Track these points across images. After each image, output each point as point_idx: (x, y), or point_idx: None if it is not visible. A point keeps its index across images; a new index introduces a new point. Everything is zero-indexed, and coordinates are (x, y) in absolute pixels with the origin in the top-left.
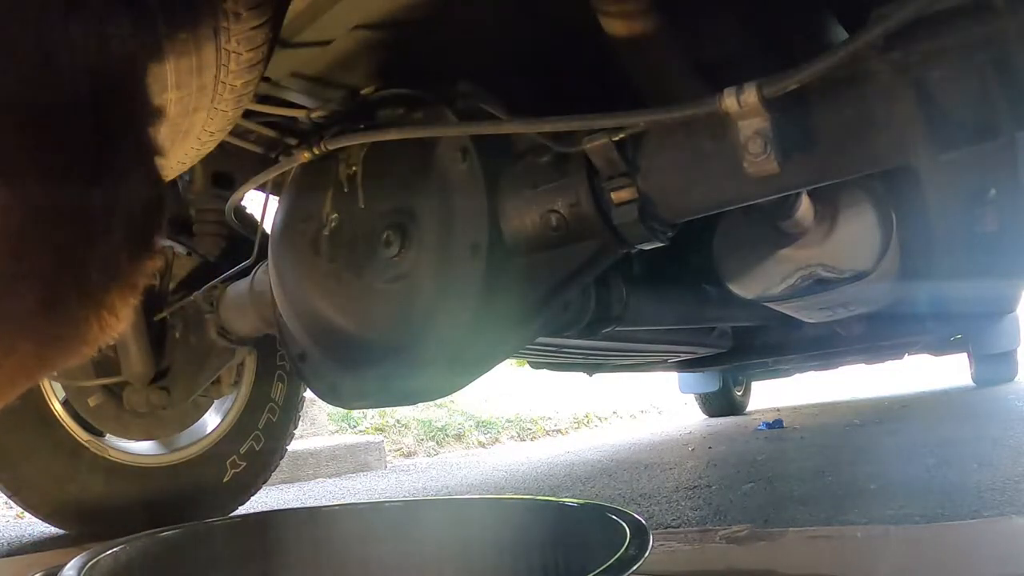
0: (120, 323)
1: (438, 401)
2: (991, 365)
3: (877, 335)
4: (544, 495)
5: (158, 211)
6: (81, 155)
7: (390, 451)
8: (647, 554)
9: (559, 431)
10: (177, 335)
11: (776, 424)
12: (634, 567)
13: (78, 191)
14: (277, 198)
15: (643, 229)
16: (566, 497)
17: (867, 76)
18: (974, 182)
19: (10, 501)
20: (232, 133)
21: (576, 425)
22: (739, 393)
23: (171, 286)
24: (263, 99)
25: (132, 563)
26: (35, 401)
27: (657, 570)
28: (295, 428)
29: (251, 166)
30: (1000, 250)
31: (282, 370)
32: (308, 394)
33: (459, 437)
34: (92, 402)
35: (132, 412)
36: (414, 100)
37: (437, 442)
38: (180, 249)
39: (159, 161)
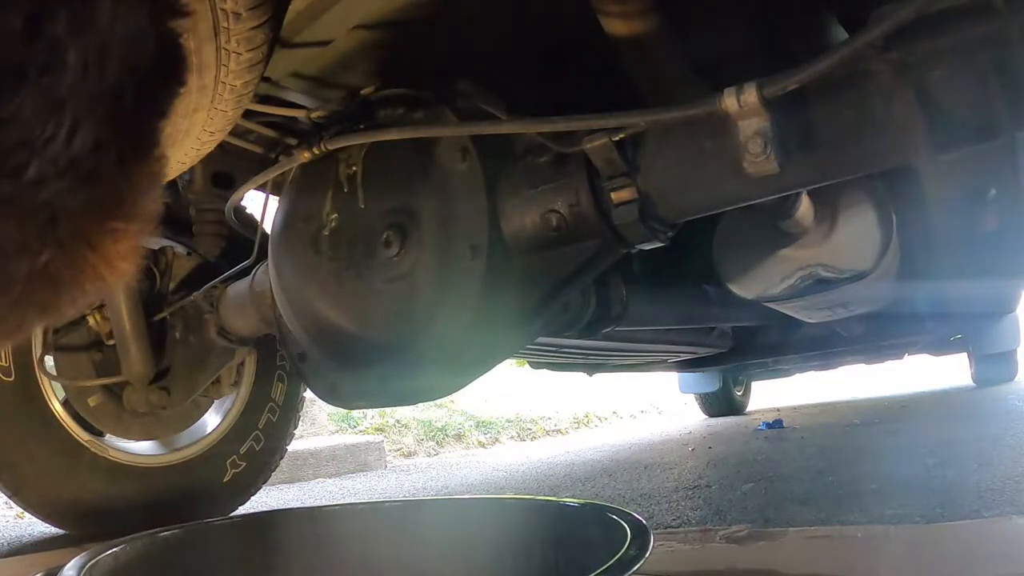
0: (115, 264)
1: (438, 401)
2: (991, 365)
3: (877, 335)
4: (544, 495)
5: (166, 79)
6: None
7: (390, 451)
8: (648, 554)
9: (559, 431)
10: (177, 335)
11: (776, 424)
12: (635, 567)
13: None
14: (277, 198)
15: (643, 229)
16: (566, 497)
17: (867, 76)
18: (974, 182)
19: (10, 501)
20: (232, 133)
21: (576, 425)
22: (739, 393)
23: (171, 286)
24: (263, 99)
25: (132, 563)
26: (35, 401)
27: (658, 570)
28: (295, 428)
29: (251, 166)
30: (1000, 250)
31: (282, 370)
32: (308, 394)
33: (459, 437)
34: (92, 402)
35: (132, 412)
36: (414, 100)
37: (437, 442)
38: (180, 249)
39: (174, 24)
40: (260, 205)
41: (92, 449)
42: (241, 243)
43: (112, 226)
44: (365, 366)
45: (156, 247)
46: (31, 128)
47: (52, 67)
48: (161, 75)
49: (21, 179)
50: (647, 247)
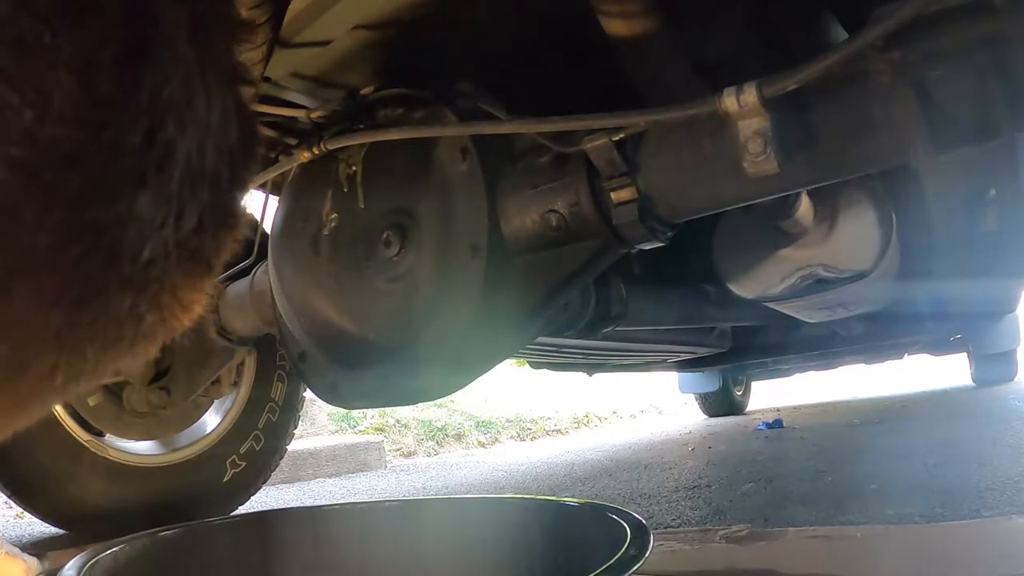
0: (193, 313)
1: (438, 401)
2: (991, 365)
3: (877, 335)
4: (544, 495)
5: (247, 154)
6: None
7: (390, 451)
8: (648, 554)
9: (559, 431)
10: (177, 335)
11: (776, 424)
12: (635, 567)
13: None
14: (277, 198)
15: (643, 229)
16: (566, 497)
17: (867, 76)
18: (974, 182)
19: (10, 501)
20: None
21: (576, 425)
22: (739, 393)
23: None
24: (263, 99)
25: (132, 563)
26: None
27: (657, 570)
28: (295, 428)
29: None
30: (1000, 250)
31: (282, 370)
32: (308, 394)
33: (459, 437)
34: (92, 402)
35: (132, 412)
36: (414, 100)
37: (437, 442)
38: None
39: (245, 92)
40: (260, 205)
41: (92, 449)
42: (241, 243)
43: (201, 287)
44: (365, 366)
45: None
46: (148, 221)
47: (165, 167)
48: (243, 154)
49: (137, 262)
50: (647, 247)
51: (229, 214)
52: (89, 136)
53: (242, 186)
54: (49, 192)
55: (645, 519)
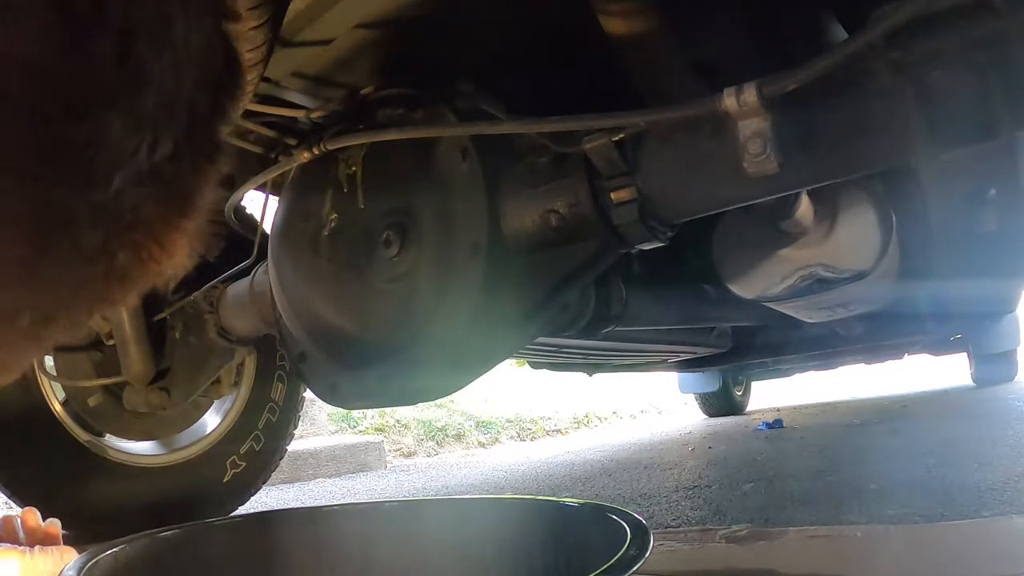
0: (176, 258)
1: (438, 401)
2: (991, 365)
3: (877, 335)
4: (544, 495)
5: (232, 85)
6: None
7: (390, 451)
8: (648, 554)
9: (559, 431)
10: (177, 335)
11: (776, 424)
12: (635, 567)
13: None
14: (277, 198)
15: (643, 229)
16: (566, 497)
17: (867, 76)
18: (974, 182)
19: (10, 501)
20: (232, 133)
21: (576, 425)
22: (739, 393)
23: (171, 286)
24: (263, 99)
25: (132, 563)
26: (35, 401)
27: (658, 570)
28: (295, 428)
29: (251, 166)
30: (1000, 250)
31: (282, 370)
32: (308, 394)
33: (459, 437)
34: (92, 402)
35: (132, 412)
36: (414, 100)
37: (437, 442)
38: None
39: (229, 26)
40: (260, 205)
41: (92, 449)
42: (241, 243)
43: (180, 225)
44: (365, 366)
45: None
46: (119, 145)
47: (137, 88)
48: (226, 82)
49: (108, 190)
50: (647, 247)
51: (210, 146)
52: (55, 50)
53: (225, 118)
54: (15, 106)
55: (645, 519)
